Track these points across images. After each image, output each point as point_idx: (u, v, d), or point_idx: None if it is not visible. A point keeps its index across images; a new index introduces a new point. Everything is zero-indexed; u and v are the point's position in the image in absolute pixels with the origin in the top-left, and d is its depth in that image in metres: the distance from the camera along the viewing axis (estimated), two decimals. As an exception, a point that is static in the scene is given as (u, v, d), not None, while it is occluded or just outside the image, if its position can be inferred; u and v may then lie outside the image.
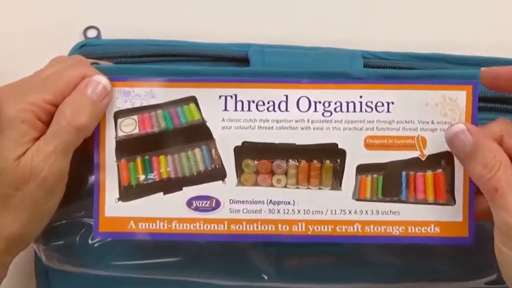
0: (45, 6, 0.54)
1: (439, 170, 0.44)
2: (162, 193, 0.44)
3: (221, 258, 0.46)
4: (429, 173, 0.44)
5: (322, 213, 0.44)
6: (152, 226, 0.44)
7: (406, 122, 0.43)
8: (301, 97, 0.43)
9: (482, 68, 0.41)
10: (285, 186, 0.44)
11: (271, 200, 0.44)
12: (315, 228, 0.44)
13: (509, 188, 0.38)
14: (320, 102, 0.43)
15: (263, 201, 0.44)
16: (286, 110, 0.43)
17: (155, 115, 0.43)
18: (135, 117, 0.43)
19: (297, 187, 0.44)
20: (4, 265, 0.43)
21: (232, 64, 0.50)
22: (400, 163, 0.44)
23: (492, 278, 0.46)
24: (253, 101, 0.43)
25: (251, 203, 0.44)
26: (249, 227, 0.44)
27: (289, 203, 0.44)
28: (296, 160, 0.44)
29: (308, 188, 0.44)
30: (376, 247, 0.46)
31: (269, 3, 0.54)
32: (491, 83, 0.41)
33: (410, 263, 0.47)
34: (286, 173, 0.44)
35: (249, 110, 0.43)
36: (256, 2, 0.54)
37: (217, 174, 0.44)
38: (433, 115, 0.43)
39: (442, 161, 0.43)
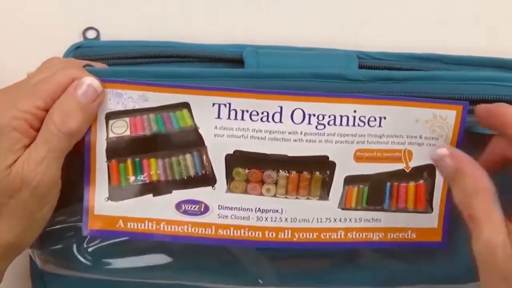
0: (45, 6, 0.53)
1: (421, 181, 0.45)
2: (151, 194, 0.44)
3: (216, 262, 0.46)
4: (411, 184, 0.45)
5: (309, 221, 0.44)
6: (141, 226, 0.44)
7: (395, 136, 0.43)
8: (296, 109, 0.42)
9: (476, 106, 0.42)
10: (274, 196, 0.44)
11: (259, 208, 0.44)
12: (301, 235, 0.44)
13: (485, 217, 0.38)
14: (314, 115, 0.42)
15: (251, 209, 0.44)
16: (280, 121, 0.42)
17: (147, 118, 0.43)
18: (127, 119, 0.43)
19: (286, 197, 0.44)
20: (0, 272, 0.43)
21: (227, 65, 0.50)
22: (386, 174, 0.44)
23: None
24: (247, 111, 0.42)
25: (239, 209, 0.44)
26: (237, 233, 0.44)
27: (277, 211, 0.44)
28: (286, 171, 0.44)
29: (297, 198, 0.44)
30: (372, 250, 0.46)
31: (265, 5, 0.54)
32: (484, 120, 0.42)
33: (408, 266, 0.47)
34: (276, 183, 0.44)
35: (242, 119, 0.42)
36: (251, 3, 0.53)
37: (207, 180, 0.44)
38: (422, 131, 0.43)
39: (425, 173, 0.44)
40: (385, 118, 0.43)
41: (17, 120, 0.40)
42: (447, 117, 0.43)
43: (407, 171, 0.44)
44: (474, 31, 0.54)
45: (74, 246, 0.46)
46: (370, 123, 0.43)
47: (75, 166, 0.44)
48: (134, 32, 0.52)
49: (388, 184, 0.45)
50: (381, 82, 0.44)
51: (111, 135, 0.43)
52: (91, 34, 0.52)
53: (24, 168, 0.39)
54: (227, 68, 0.49)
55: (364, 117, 0.43)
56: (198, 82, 0.43)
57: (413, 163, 0.44)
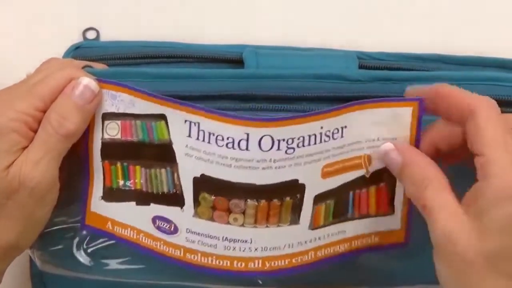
0: (45, 6, 0.53)
1: (382, 184, 0.43)
2: (134, 203, 0.44)
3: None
4: (372, 188, 0.43)
5: (280, 248, 0.43)
6: (125, 232, 0.44)
7: (355, 143, 0.41)
8: (264, 136, 0.39)
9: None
10: (242, 225, 0.42)
11: (226, 237, 0.42)
12: (272, 264, 0.43)
13: (437, 205, 0.37)
14: (284, 140, 0.40)
15: (218, 237, 0.42)
16: (247, 149, 0.40)
17: (134, 124, 0.42)
18: (119, 122, 0.42)
19: (255, 226, 0.42)
20: (0, 272, 0.43)
21: (227, 65, 0.49)
22: (348, 184, 0.42)
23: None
24: (213, 134, 0.40)
25: (206, 236, 0.42)
26: (204, 260, 0.43)
27: (245, 241, 0.42)
28: (255, 200, 0.41)
29: (267, 226, 0.42)
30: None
31: (265, 5, 0.53)
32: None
33: (407, 265, 0.46)
34: (243, 212, 0.42)
35: (209, 142, 0.40)
36: (251, 3, 0.53)
37: (176, 200, 0.42)
38: (379, 133, 0.41)
39: (385, 174, 0.42)
40: (346, 127, 0.40)
41: (16, 122, 0.40)
42: (404, 115, 0.41)
43: (367, 176, 0.42)
44: (474, 31, 0.53)
45: (74, 247, 0.46)
46: (334, 135, 0.40)
47: (74, 167, 0.44)
48: (134, 32, 0.52)
49: (351, 193, 0.43)
50: (381, 83, 0.44)
51: (105, 135, 0.43)
52: (91, 35, 0.53)
53: (22, 169, 0.39)
54: (227, 68, 0.49)
55: (329, 131, 0.40)
56: (174, 95, 0.41)
57: (373, 168, 0.42)
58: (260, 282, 0.46)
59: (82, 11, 0.53)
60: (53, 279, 0.49)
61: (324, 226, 0.43)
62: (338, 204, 0.43)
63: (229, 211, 0.42)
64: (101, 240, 0.46)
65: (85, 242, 0.46)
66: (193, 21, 0.53)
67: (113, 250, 0.46)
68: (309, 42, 0.51)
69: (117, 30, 0.53)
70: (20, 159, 0.40)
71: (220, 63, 0.50)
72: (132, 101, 0.42)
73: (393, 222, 0.44)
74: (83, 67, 0.44)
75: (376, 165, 0.42)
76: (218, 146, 0.40)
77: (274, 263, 0.43)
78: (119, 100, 0.42)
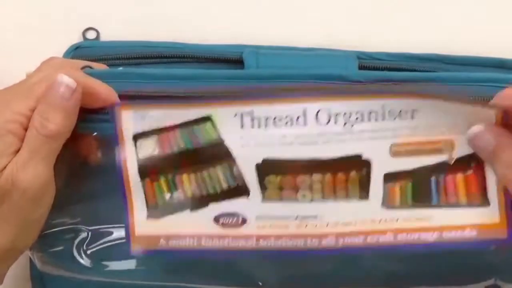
0: (45, 6, 0.53)
1: (470, 172, 0.42)
2: (189, 210, 0.44)
3: (215, 264, 0.46)
4: (459, 176, 0.42)
5: (352, 224, 0.43)
6: (183, 242, 0.44)
7: (432, 126, 0.41)
8: (320, 110, 0.41)
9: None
10: (311, 201, 0.43)
11: (297, 215, 0.43)
12: (346, 240, 0.43)
13: None
14: (340, 114, 0.41)
15: (289, 217, 0.43)
16: (305, 124, 0.41)
17: (173, 135, 0.43)
18: (154, 138, 0.43)
19: (324, 201, 0.43)
20: (0, 275, 0.43)
21: (227, 65, 0.50)
22: (428, 168, 0.42)
23: (491, 283, 0.46)
24: (270, 118, 0.41)
25: (277, 218, 0.43)
26: (278, 242, 0.43)
27: (316, 217, 0.43)
28: (320, 174, 0.42)
29: (335, 200, 0.43)
30: (373, 252, 0.46)
31: (265, 5, 0.54)
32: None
33: (408, 267, 0.46)
34: (311, 188, 0.43)
35: (266, 126, 0.41)
36: (251, 3, 0.53)
37: (241, 191, 0.43)
38: (460, 119, 0.41)
39: (472, 162, 0.42)
40: (416, 110, 0.41)
41: (12, 123, 0.39)
42: (488, 113, 0.40)
43: (451, 162, 0.42)
44: (474, 31, 0.53)
45: (74, 248, 0.46)
46: (402, 115, 0.41)
47: (75, 168, 0.44)
48: (134, 32, 0.52)
49: (433, 178, 0.42)
50: (381, 83, 0.44)
51: (140, 155, 0.43)
52: (91, 35, 0.52)
53: (14, 171, 0.39)
54: (226, 68, 0.49)
55: (394, 110, 0.41)
56: (219, 95, 0.42)
57: (457, 154, 0.41)
58: (260, 284, 0.46)
59: (82, 11, 0.53)
60: (53, 281, 0.48)
61: (402, 207, 0.43)
62: (418, 188, 0.43)
63: (296, 188, 0.43)
64: (101, 241, 0.46)
65: (85, 243, 0.46)
66: (193, 21, 0.53)
67: (112, 250, 0.46)
68: (309, 42, 0.51)
69: (117, 30, 0.53)
70: (13, 161, 0.39)
71: (220, 63, 0.50)
72: (166, 114, 0.42)
73: (490, 214, 0.42)
74: (83, 67, 0.44)
75: (460, 151, 0.42)
76: (277, 127, 0.41)
77: (348, 240, 0.43)
78: (148, 118, 0.42)
